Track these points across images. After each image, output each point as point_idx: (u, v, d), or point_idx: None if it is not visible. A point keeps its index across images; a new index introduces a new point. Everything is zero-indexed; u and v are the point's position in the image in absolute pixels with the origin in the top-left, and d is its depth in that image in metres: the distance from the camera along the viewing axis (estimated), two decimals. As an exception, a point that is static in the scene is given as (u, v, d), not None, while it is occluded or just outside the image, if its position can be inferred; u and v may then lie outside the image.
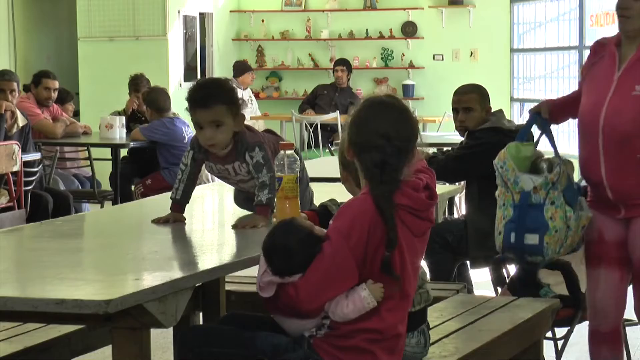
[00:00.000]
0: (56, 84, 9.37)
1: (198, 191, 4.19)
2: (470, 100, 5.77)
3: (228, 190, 4.40)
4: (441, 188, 4.41)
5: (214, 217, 4.19)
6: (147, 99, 9.14)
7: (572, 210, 4.25)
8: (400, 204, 3.25)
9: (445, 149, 6.91)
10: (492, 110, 5.81)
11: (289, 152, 3.80)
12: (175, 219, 3.97)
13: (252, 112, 12.59)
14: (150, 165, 9.12)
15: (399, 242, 3.24)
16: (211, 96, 3.88)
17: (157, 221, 3.98)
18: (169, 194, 4.08)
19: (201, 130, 3.90)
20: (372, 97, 3.35)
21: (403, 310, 3.36)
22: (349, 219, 3.23)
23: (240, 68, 12.77)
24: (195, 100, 3.89)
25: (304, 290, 3.22)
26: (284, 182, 3.77)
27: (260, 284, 3.28)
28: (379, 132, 3.23)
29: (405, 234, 3.28)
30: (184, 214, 4.03)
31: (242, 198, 4.19)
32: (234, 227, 3.91)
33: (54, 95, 9.37)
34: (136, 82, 9.98)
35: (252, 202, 4.03)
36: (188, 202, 4.02)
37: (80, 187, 9.44)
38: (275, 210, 3.88)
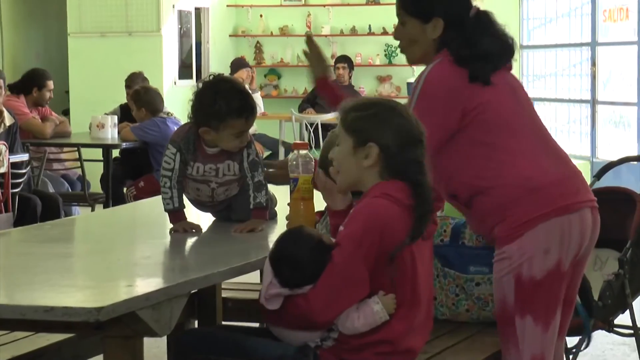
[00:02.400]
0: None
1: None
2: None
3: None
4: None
5: (209, 220, 4.09)
6: (139, 99, 8.96)
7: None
8: None
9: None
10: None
11: (303, 152, 3.79)
12: (193, 228, 3.88)
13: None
14: (143, 167, 9.02)
15: (411, 246, 3.23)
16: (253, 106, 3.89)
17: (177, 230, 3.87)
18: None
19: (238, 137, 3.87)
20: (380, 102, 3.46)
21: (410, 320, 3.27)
22: (361, 225, 3.21)
23: (234, 65, 12.72)
24: (242, 110, 3.84)
25: (316, 302, 3.19)
26: (300, 182, 3.75)
27: (265, 296, 3.24)
28: (419, 129, 3.31)
29: None
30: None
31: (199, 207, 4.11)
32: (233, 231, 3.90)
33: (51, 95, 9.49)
34: (130, 79, 9.93)
35: (208, 206, 4.04)
36: (185, 207, 3.96)
37: (70, 189, 9.40)
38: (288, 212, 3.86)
